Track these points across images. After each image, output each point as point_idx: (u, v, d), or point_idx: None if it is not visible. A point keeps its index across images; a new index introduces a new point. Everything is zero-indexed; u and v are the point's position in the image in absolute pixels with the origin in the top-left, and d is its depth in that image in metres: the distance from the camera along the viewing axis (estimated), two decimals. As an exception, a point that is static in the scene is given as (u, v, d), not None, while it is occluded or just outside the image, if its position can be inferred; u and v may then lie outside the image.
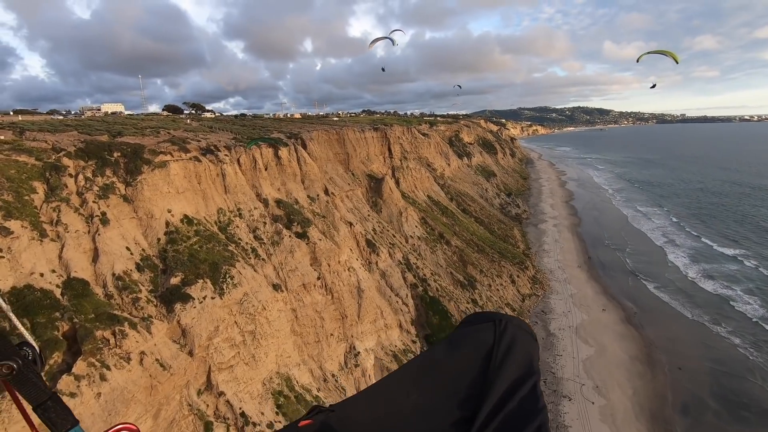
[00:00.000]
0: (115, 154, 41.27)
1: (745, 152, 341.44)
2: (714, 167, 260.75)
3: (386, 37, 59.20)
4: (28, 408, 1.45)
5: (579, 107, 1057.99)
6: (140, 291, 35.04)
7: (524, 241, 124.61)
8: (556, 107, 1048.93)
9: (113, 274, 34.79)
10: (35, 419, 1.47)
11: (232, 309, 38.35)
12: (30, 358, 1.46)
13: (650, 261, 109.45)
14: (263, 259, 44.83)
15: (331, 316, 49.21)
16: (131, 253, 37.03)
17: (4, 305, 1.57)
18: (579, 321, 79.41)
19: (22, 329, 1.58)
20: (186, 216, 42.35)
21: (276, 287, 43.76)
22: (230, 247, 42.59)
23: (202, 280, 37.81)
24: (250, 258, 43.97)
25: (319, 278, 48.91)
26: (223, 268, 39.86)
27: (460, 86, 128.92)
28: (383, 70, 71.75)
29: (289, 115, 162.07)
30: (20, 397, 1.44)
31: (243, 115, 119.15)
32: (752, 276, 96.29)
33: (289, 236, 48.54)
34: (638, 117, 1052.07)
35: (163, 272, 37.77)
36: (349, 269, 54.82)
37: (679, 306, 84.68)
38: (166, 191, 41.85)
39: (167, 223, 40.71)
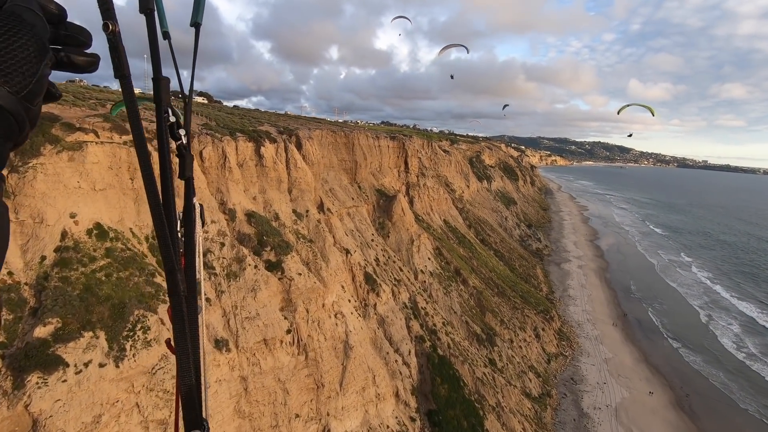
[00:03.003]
0: (6, 123, 27.70)
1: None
2: (742, 221, 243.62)
3: (460, 45, 55.88)
4: None
5: (599, 142, 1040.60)
6: (-27, 347, 21.04)
7: (547, 282, 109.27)
8: (576, 140, 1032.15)
9: (-65, 314, 20.86)
10: None
11: (134, 383, 24.11)
12: (206, 431, 1.57)
13: (686, 324, 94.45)
14: (208, 300, 30.64)
15: (301, 385, 34.62)
16: (-16, 279, 23.17)
17: (207, 379, 1.74)
18: (619, 399, 63.73)
19: (207, 405, 1.66)
20: (99, 225, 28.52)
21: (220, 344, 29.45)
22: (158, 279, 28.51)
23: (91, 333, 23.73)
24: (187, 297, 29.84)
25: (290, 331, 34.51)
26: (135, 312, 25.76)
27: (507, 105, 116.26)
28: (452, 77, 70.35)
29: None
30: None
31: (219, 101, 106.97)
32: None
33: (255, 266, 34.39)
34: (659, 158, 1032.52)
35: (32, 314, 23.76)
36: (336, 315, 40.38)
37: (737, 392, 68.87)
38: (74, 186, 28.15)
39: (64, 234, 26.89)
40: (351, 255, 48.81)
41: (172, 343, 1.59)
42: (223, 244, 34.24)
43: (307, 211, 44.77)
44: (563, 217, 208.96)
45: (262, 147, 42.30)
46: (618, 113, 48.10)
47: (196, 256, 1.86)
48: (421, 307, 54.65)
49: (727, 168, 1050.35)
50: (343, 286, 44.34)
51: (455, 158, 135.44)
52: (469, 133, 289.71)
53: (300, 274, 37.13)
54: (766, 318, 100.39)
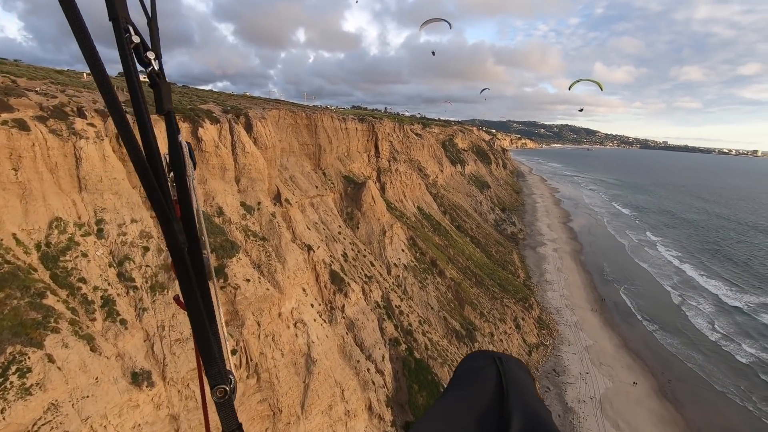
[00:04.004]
0: None
1: (731, 186, 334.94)
2: (701, 199, 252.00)
3: (442, 19, 51.84)
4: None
5: (566, 125, 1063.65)
6: None
7: (524, 267, 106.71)
8: (545, 123, 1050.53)
9: None
10: None
11: (4, 449, 17.62)
12: (232, 385, 1.55)
13: (661, 306, 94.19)
14: (123, 322, 24.09)
15: (253, 414, 28.77)
16: None
17: (225, 331, 1.68)
18: (602, 390, 61.35)
19: (229, 357, 1.64)
20: (-37, 232, 21.33)
21: (138, 378, 23.12)
22: (48, 300, 21.75)
23: (-66, 387, 16.99)
24: (92, 321, 23.19)
25: (235, 351, 28.44)
26: (9, 350, 19.07)
27: (486, 89, 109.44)
28: (433, 53, 67.15)
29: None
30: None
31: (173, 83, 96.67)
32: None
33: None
34: (623, 140, 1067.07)
35: None
36: (295, 325, 34.54)
37: (715, 375, 67.90)
38: None
39: None
40: (314, 251, 42.78)
41: (181, 299, 1.52)
42: (147, 249, 27.47)
43: (259, 203, 38.22)
44: (536, 200, 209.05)
45: (200, 128, 35.23)
46: (569, 89, 49.26)
47: (193, 201, 1.67)
48: (396, 306, 49.52)
49: (685, 149, 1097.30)
50: (304, 289, 38.41)
51: (428, 142, 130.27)
52: (441, 117, 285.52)
53: (249, 281, 30.89)
54: (733, 296, 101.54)
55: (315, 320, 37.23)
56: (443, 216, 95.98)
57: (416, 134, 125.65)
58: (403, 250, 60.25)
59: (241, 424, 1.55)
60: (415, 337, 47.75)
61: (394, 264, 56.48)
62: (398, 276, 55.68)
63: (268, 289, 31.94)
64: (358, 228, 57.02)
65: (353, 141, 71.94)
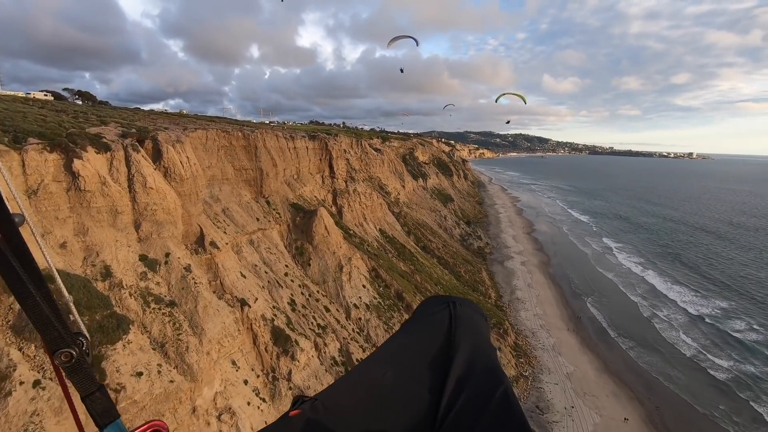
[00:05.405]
0: None
1: (674, 188, 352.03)
2: (650, 203, 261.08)
3: (409, 37, 51.49)
4: (75, 398, 1.52)
5: (521, 134, 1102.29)
6: None
7: (494, 286, 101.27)
8: (500, 133, 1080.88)
9: None
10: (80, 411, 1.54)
11: None
12: (84, 348, 1.47)
13: (632, 320, 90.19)
14: None
15: None
16: None
17: (66, 294, 1.62)
18: (591, 428, 55.54)
19: (78, 319, 1.58)
20: None
21: None
22: None
23: None
24: None
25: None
26: None
27: (451, 105, 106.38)
28: (402, 71, 65.64)
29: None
30: (69, 387, 1.55)
31: (105, 103, 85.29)
32: (750, 355, 77.99)
33: (37, 384, 18.60)
34: (573, 147, 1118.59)
35: None
36: (220, 417, 25.59)
37: (698, 396, 64.02)
38: None
39: None
40: (250, 307, 34.01)
41: None
42: (-36, 351, 17.98)
43: (168, 254, 29.22)
44: (498, 210, 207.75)
45: (76, 160, 26.05)
46: (496, 101, 48.84)
47: None
48: (357, 360, 41.34)
49: (629, 153, 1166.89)
50: (234, 362, 29.51)
51: (388, 157, 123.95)
52: (400, 130, 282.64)
53: (141, 374, 21.86)
54: (698, 303, 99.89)
55: (249, 403, 28.38)
56: (408, 237, 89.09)
57: (375, 149, 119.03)
58: (364, 286, 52.29)
59: (102, 385, 1.43)
60: (382, 397, 39.68)
61: (354, 305, 48.35)
62: (359, 319, 47.55)
63: (172, 381, 22.98)
64: (309, 265, 48.60)
65: (303, 161, 63.75)
